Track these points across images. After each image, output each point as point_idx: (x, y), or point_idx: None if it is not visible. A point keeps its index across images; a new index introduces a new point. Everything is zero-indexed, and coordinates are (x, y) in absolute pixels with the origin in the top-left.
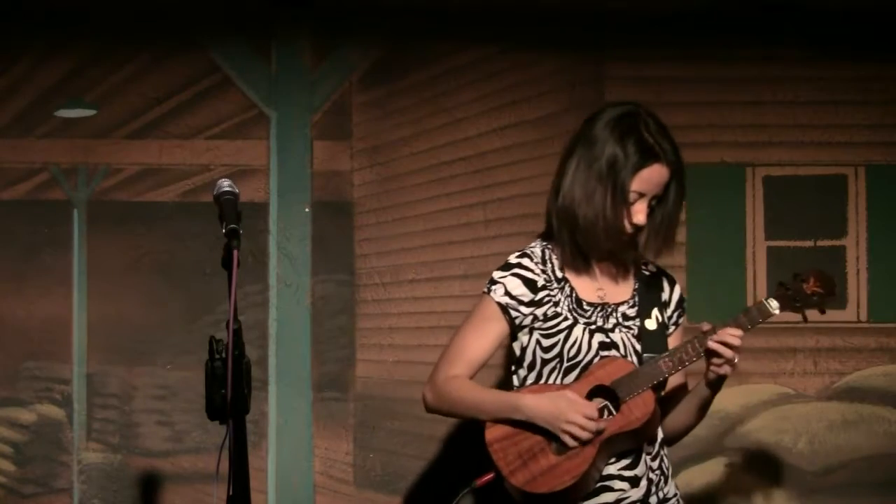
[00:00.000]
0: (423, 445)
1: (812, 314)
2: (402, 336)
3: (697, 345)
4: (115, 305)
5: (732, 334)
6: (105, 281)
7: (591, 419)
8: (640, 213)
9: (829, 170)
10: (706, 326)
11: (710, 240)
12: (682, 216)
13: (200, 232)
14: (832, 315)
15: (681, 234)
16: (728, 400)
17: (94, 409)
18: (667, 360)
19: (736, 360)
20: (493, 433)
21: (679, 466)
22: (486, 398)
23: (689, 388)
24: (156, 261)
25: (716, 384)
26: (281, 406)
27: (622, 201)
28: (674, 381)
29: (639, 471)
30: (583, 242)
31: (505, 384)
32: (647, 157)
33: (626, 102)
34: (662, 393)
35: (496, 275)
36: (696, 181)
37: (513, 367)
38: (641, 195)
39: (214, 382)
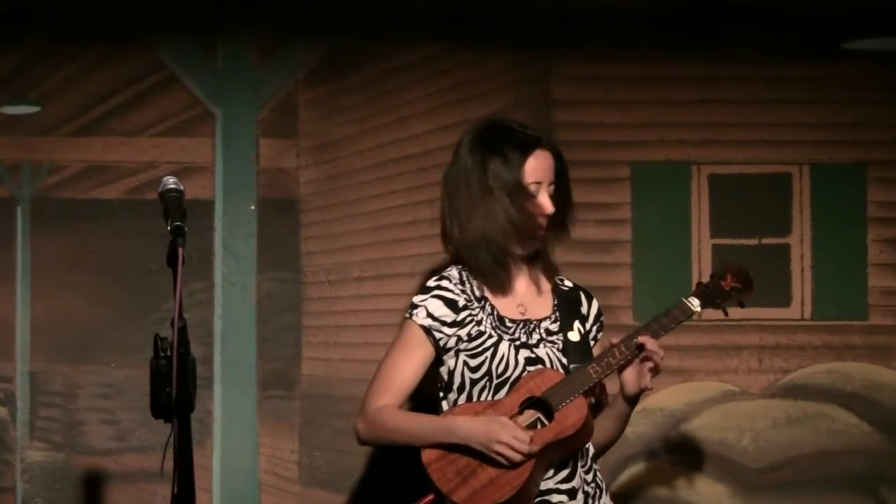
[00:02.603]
0: None
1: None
2: (348, 334)
3: (623, 348)
4: (59, 303)
5: (645, 344)
6: (49, 278)
7: (521, 440)
8: (546, 202)
9: (773, 168)
10: (614, 341)
11: (656, 237)
12: (632, 210)
13: (145, 229)
14: (776, 313)
15: (626, 232)
16: (672, 397)
17: (37, 408)
18: (595, 366)
19: (658, 361)
20: (429, 455)
21: (623, 464)
22: (421, 424)
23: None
24: (100, 258)
25: (634, 399)
26: (226, 404)
27: (524, 197)
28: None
29: (575, 483)
30: (500, 257)
31: (432, 410)
32: (525, 147)
33: (479, 121)
34: (593, 400)
35: (416, 299)
36: (641, 179)
37: (441, 393)
38: (538, 184)
39: (159, 380)
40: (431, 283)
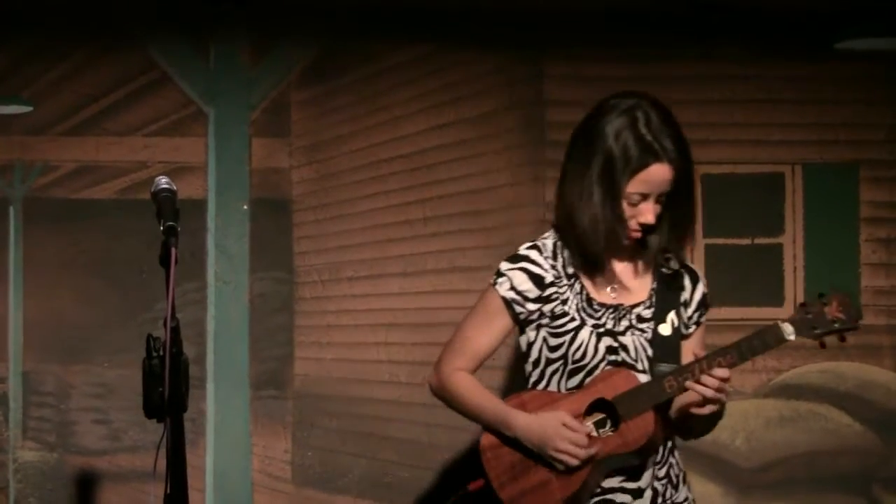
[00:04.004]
0: (362, 443)
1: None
2: (341, 334)
3: (705, 366)
4: (51, 303)
5: (716, 375)
6: (42, 278)
7: (580, 446)
8: (647, 213)
9: (766, 168)
10: (699, 353)
11: None
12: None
13: (138, 229)
14: (769, 312)
15: None
16: None
17: (30, 408)
18: (671, 379)
19: (723, 398)
20: (488, 439)
21: None
22: (484, 407)
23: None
24: (93, 258)
25: (706, 421)
26: (219, 404)
27: (619, 202)
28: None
29: (643, 482)
30: (583, 246)
31: (516, 380)
32: (644, 157)
33: (630, 94)
34: (671, 413)
35: (503, 266)
36: None
37: (523, 362)
38: (645, 196)
39: (152, 380)
40: (522, 250)
